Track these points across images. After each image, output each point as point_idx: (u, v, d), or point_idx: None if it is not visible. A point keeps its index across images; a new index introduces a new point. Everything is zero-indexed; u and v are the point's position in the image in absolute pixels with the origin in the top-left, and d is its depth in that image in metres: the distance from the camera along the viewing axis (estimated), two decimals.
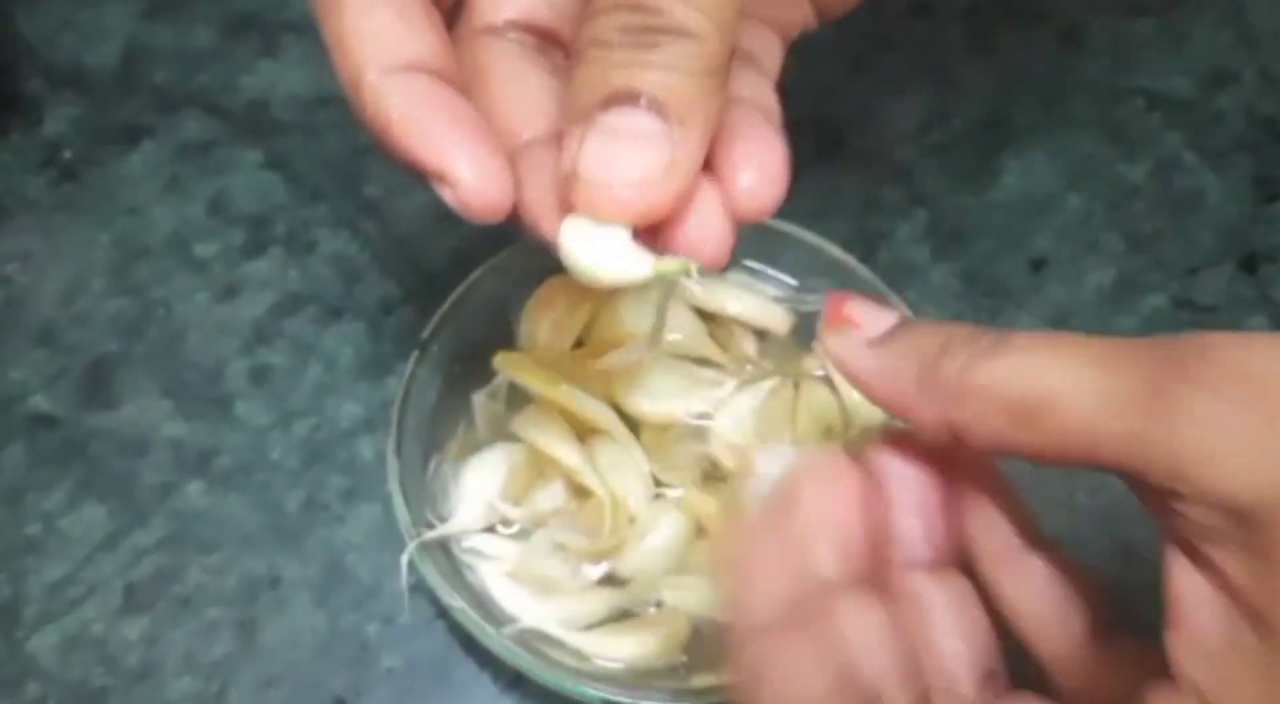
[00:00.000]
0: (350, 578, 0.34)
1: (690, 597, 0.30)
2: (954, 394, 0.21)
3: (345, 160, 0.41)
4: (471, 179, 0.22)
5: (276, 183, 0.41)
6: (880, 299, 0.24)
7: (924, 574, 0.23)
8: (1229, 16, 0.46)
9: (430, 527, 0.31)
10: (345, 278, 0.39)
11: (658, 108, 0.21)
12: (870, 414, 0.33)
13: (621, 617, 0.31)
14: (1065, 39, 0.45)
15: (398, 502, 0.31)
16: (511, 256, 0.34)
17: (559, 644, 0.30)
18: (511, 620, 0.30)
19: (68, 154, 0.42)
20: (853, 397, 0.33)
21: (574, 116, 0.22)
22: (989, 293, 0.39)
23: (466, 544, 0.32)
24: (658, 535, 0.31)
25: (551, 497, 0.32)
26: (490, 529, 0.32)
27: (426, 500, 0.32)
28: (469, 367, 0.34)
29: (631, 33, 0.21)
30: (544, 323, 0.34)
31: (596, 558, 0.31)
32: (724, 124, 0.23)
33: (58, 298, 0.39)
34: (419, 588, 0.34)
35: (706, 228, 0.23)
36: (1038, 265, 0.40)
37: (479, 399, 0.33)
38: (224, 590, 0.34)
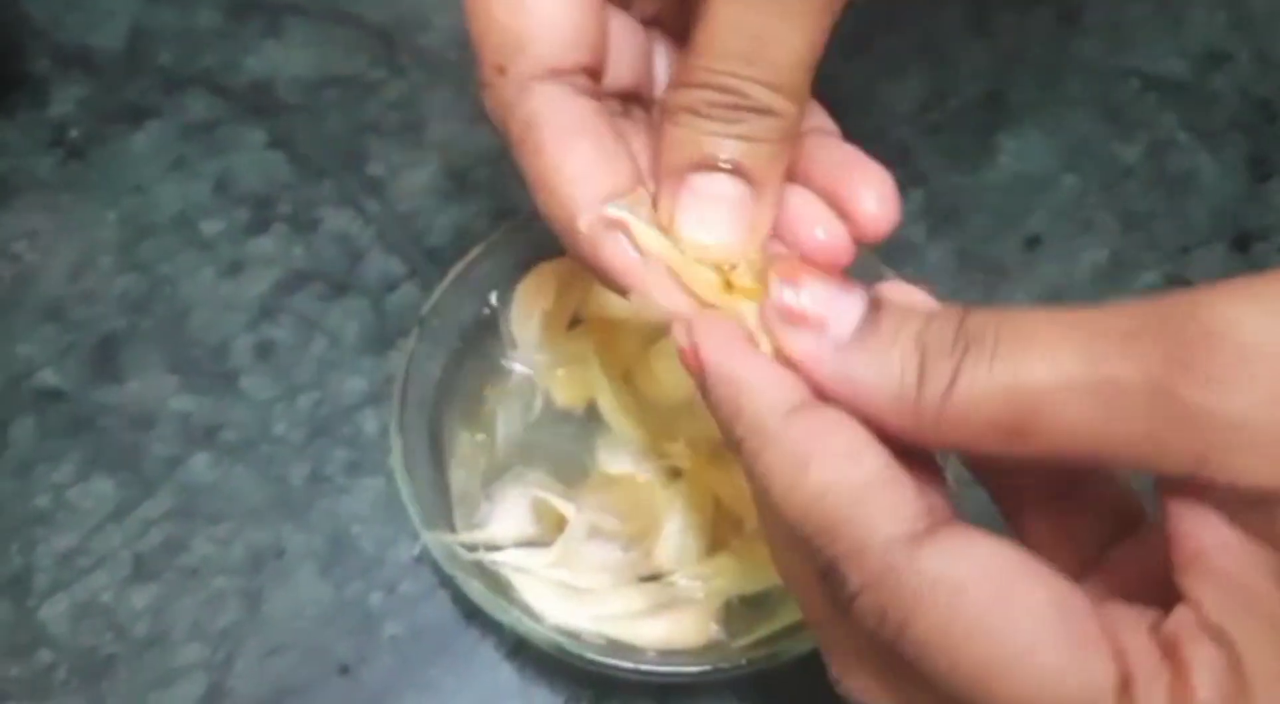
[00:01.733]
0: (354, 549, 0.35)
1: (724, 574, 0.31)
2: (939, 424, 0.20)
3: (348, 140, 0.42)
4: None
5: (280, 162, 0.41)
6: (824, 272, 0.22)
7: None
8: None
9: (451, 526, 0.32)
10: (348, 255, 0.40)
11: (742, 173, 0.24)
12: None
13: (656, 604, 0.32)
14: (1063, 20, 0.46)
15: (401, 477, 0.31)
16: (510, 234, 0.35)
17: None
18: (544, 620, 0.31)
19: (74, 133, 0.42)
20: None
21: (667, 174, 0.24)
22: (984, 270, 0.40)
23: (500, 557, 0.32)
24: (683, 516, 0.31)
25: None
26: (523, 543, 0.32)
27: (433, 479, 0.32)
28: (470, 342, 0.34)
29: (719, 107, 0.23)
30: (536, 311, 0.35)
31: (633, 539, 0.31)
32: (828, 159, 0.26)
33: (66, 275, 0.39)
34: (421, 559, 0.34)
35: (838, 246, 0.26)
36: (1032, 244, 0.41)
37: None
38: (230, 561, 0.35)
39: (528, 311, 0.34)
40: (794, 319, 0.22)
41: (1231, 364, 0.18)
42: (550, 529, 0.32)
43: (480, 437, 0.34)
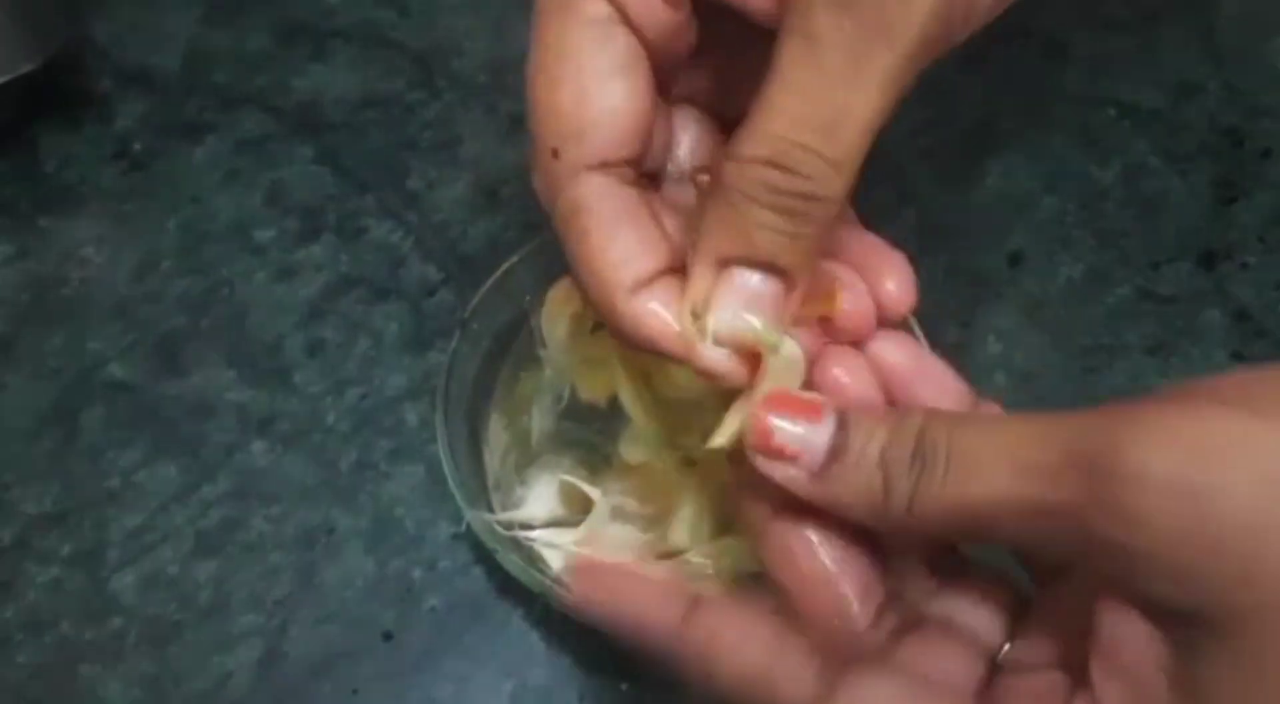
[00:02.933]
0: (397, 528, 0.38)
1: (732, 554, 0.34)
2: (905, 527, 0.23)
3: (389, 156, 0.45)
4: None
5: (327, 176, 0.45)
6: (794, 402, 0.24)
7: None
8: (1198, 34, 0.50)
9: (489, 509, 0.35)
10: (390, 262, 0.43)
11: (780, 273, 0.25)
12: None
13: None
14: (1047, 52, 0.49)
15: (446, 462, 0.34)
16: (542, 245, 0.38)
17: None
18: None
19: (137, 147, 0.46)
20: None
21: (710, 255, 0.25)
22: (970, 284, 0.43)
23: (533, 535, 0.35)
24: (693, 502, 0.34)
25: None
26: (553, 523, 0.36)
27: (472, 465, 0.36)
28: (505, 342, 0.38)
29: (776, 193, 0.24)
30: (564, 314, 0.38)
31: (651, 522, 0.35)
32: (855, 244, 0.28)
33: (130, 277, 0.43)
34: (459, 537, 0.38)
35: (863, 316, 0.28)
36: (1015, 260, 0.44)
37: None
38: (284, 538, 0.38)
39: (557, 315, 0.37)
40: (772, 455, 0.24)
41: (1143, 505, 0.20)
42: (577, 511, 0.36)
43: (515, 427, 0.37)
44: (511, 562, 0.33)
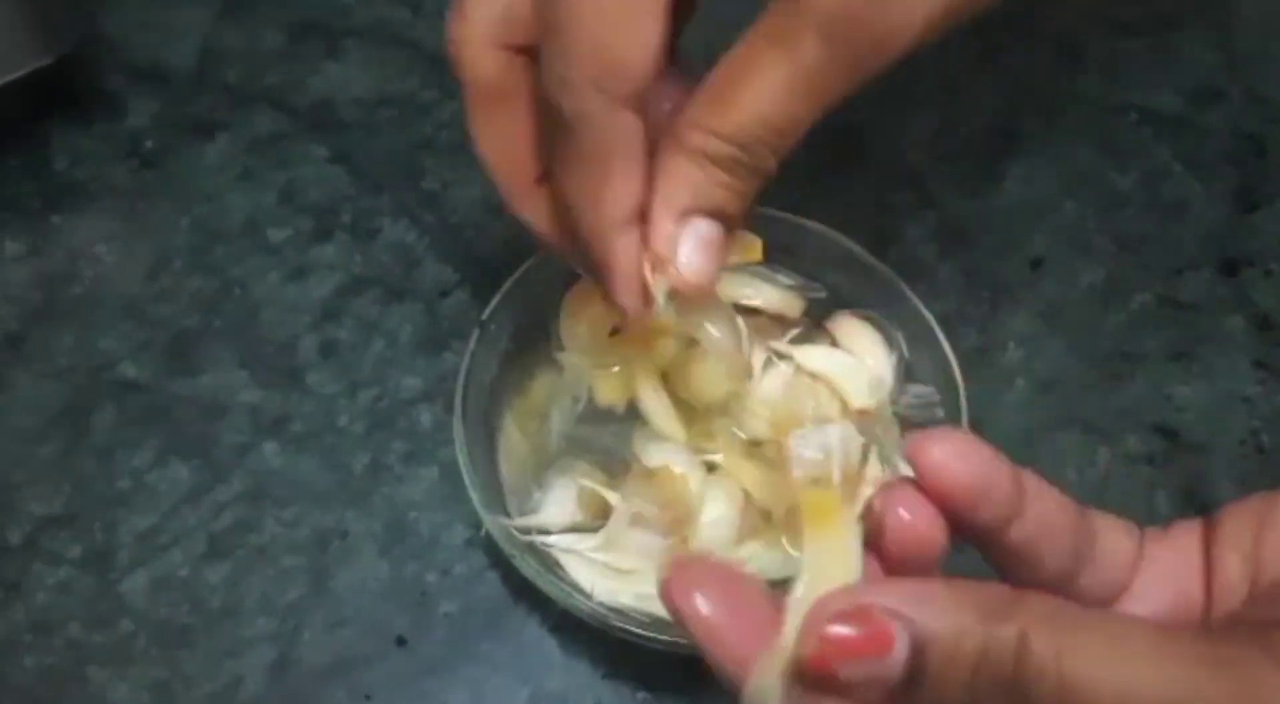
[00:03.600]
0: (411, 532, 0.38)
1: (752, 561, 0.34)
2: None
3: (404, 155, 0.45)
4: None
5: (341, 175, 0.45)
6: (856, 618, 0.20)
7: None
8: (1217, 39, 0.50)
9: (505, 513, 0.35)
10: (405, 263, 0.43)
11: (728, 223, 0.29)
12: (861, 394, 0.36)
13: None
14: (1065, 57, 0.49)
15: (465, 466, 0.34)
16: None
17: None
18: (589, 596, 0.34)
19: (149, 145, 0.45)
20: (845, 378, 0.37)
21: (675, 208, 0.29)
22: (989, 289, 0.43)
23: (551, 540, 0.35)
24: (716, 507, 0.34)
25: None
26: (571, 529, 0.35)
27: (489, 469, 0.35)
28: (523, 344, 0.37)
29: (736, 163, 0.28)
30: (583, 318, 0.37)
31: (670, 527, 0.34)
32: None
33: (142, 276, 0.42)
34: (473, 542, 0.37)
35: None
36: (1035, 264, 0.44)
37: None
38: (297, 541, 0.38)
39: (575, 317, 0.37)
40: (831, 689, 0.20)
41: None
42: (595, 516, 0.35)
43: (532, 430, 0.37)
44: (528, 567, 0.33)
